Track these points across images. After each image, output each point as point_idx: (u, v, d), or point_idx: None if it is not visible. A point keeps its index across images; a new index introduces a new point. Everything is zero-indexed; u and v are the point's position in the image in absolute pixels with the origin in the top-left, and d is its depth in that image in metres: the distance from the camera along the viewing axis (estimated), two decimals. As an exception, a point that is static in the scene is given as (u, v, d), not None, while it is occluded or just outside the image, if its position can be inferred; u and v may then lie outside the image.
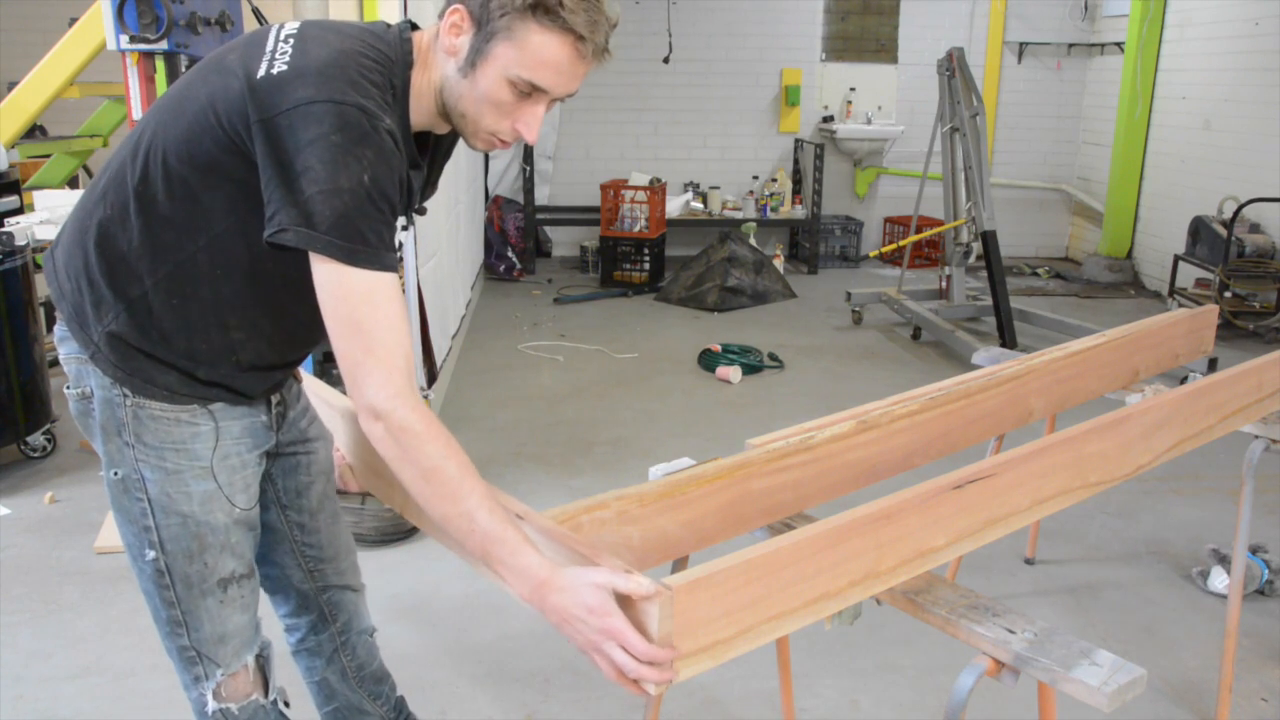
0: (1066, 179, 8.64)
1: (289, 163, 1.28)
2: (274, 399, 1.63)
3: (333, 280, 1.30)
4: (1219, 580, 3.08)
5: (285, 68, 1.31)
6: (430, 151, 1.55)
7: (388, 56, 1.38)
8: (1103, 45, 8.17)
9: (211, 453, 1.52)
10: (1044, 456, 1.64)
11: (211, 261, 1.42)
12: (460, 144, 1.59)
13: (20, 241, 2.99)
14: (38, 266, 5.12)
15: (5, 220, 3.17)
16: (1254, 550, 3.11)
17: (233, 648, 1.61)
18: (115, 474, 1.53)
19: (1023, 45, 8.32)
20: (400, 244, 1.48)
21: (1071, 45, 8.34)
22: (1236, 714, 2.50)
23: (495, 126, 1.40)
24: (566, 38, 1.32)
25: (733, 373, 5.18)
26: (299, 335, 1.56)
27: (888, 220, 8.51)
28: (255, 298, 1.47)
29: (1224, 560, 3.10)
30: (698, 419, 4.61)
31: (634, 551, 1.47)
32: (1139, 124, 7.55)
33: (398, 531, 3.34)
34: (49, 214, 3.16)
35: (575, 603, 1.18)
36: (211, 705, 1.61)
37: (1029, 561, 3.28)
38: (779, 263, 7.54)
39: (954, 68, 5.83)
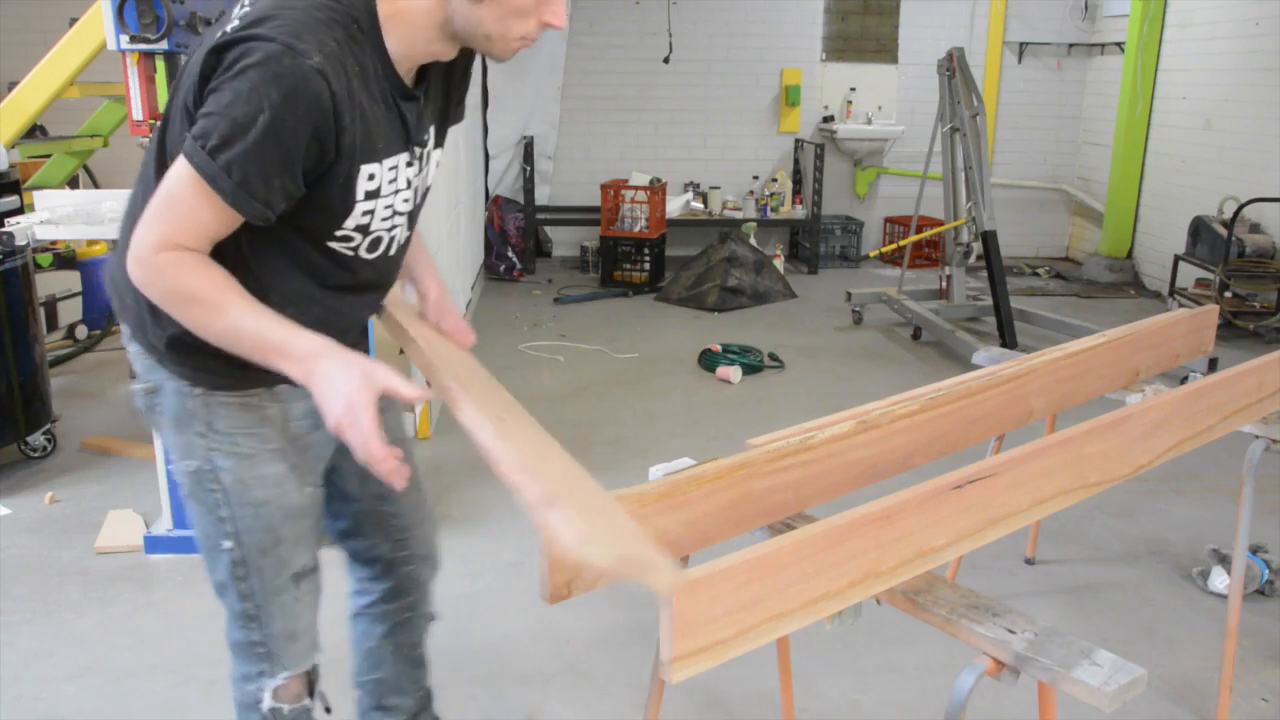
0: (1067, 179, 8.64)
1: (211, 89, 1.31)
2: None
3: (174, 169, 1.34)
4: (1219, 580, 3.08)
5: (241, 18, 1.34)
6: (429, 80, 1.52)
7: None
8: (1103, 45, 8.17)
9: (280, 434, 1.57)
10: (1044, 456, 1.64)
11: (251, 246, 1.45)
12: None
13: (20, 241, 2.99)
14: (38, 266, 5.14)
15: (5, 220, 3.16)
16: (1254, 550, 3.11)
17: (302, 647, 1.67)
18: (189, 466, 1.57)
19: (1023, 45, 8.32)
20: (408, 181, 1.52)
21: (1072, 45, 8.34)
22: (1236, 714, 2.50)
23: (523, 31, 1.43)
24: None
25: (733, 373, 5.18)
26: (347, 312, 1.59)
27: (888, 220, 8.51)
28: (299, 278, 1.50)
29: (1224, 560, 3.10)
30: (698, 419, 4.61)
31: (634, 551, 1.47)
32: (1139, 124, 7.55)
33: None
34: (49, 214, 3.16)
35: (339, 389, 1.32)
36: (268, 702, 1.67)
37: (1029, 561, 3.28)
38: (779, 263, 7.54)
39: (954, 68, 5.83)
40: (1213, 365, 4.55)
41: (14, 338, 3.80)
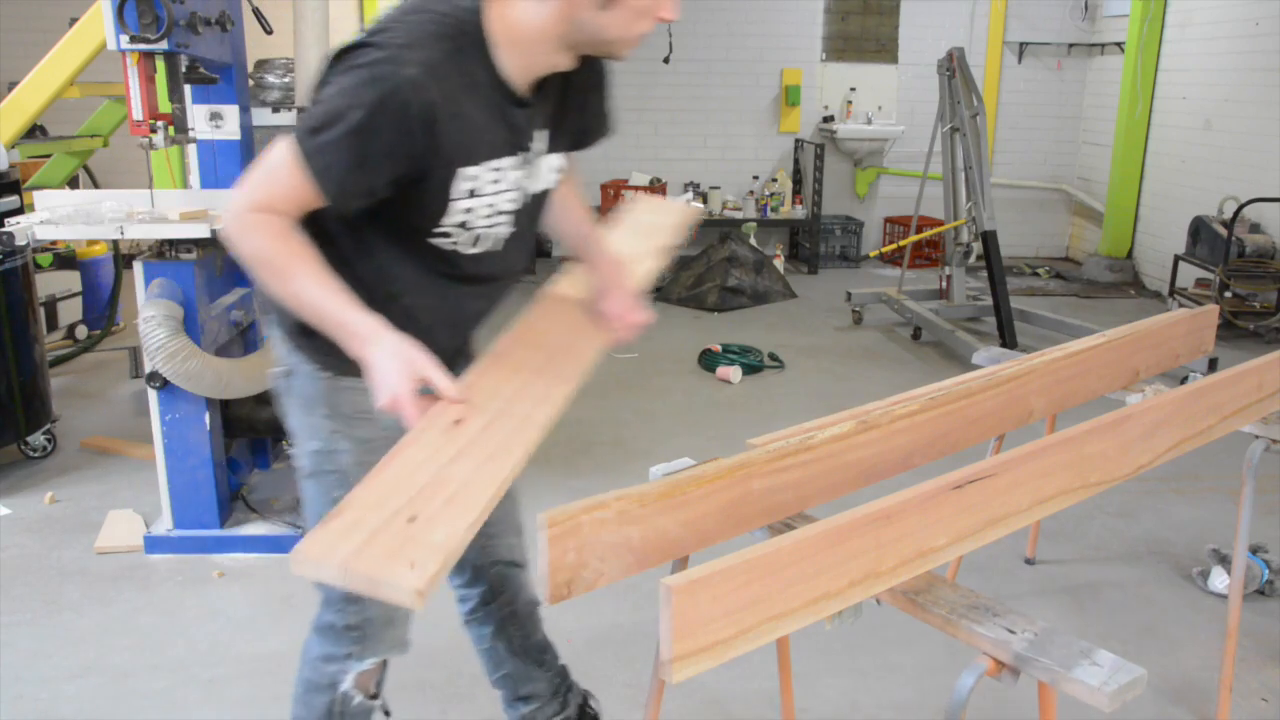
0: (1067, 179, 8.64)
1: (323, 82, 1.46)
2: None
3: (280, 143, 1.46)
4: (1219, 580, 3.08)
5: (365, 31, 1.47)
6: (545, 88, 1.60)
7: (457, 6, 1.47)
8: (1103, 45, 8.17)
9: (398, 422, 1.62)
10: (1044, 456, 1.64)
11: (373, 235, 1.56)
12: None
13: (20, 241, 2.99)
14: (38, 266, 5.13)
15: (5, 220, 3.16)
16: (1254, 550, 3.11)
17: (396, 634, 1.76)
18: (311, 447, 1.67)
19: (1023, 45, 8.32)
20: (514, 182, 1.61)
21: (1072, 45, 8.34)
22: (1236, 714, 2.50)
23: (643, 29, 1.51)
24: None
25: (733, 373, 5.18)
26: (457, 302, 1.68)
27: (888, 220, 8.51)
28: (412, 267, 1.59)
29: (1224, 560, 3.10)
30: (698, 419, 4.61)
31: (634, 552, 1.47)
32: (1139, 124, 7.55)
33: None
34: (49, 214, 3.15)
35: (384, 378, 1.41)
36: (346, 684, 1.75)
37: (1029, 561, 3.28)
38: (779, 263, 7.54)
39: (954, 68, 5.83)
40: (1213, 365, 4.56)
41: (14, 338, 3.81)
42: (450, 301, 1.67)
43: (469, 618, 2.08)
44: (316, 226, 1.54)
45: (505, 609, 2.04)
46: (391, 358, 1.42)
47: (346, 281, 1.50)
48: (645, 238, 2.06)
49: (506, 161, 1.56)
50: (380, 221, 1.54)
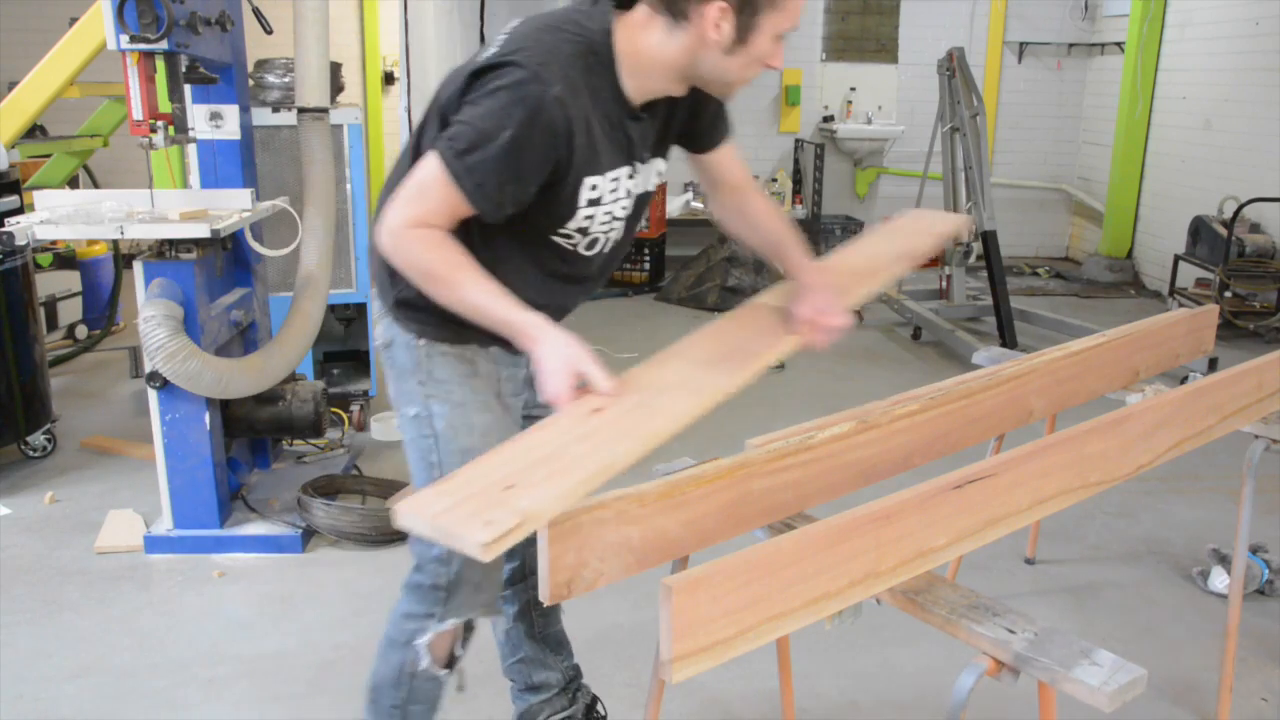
0: (1067, 179, 8.64)
1: (466, 101, 1.54)
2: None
3: (428, 161, 1.56)
4: (1219, 580, 3.08)
5: (499, 45, 1.56)
6: (657, 103, 1.70)
7: (587, 28, 1.58)
8: (1103, 45, 8.17)
9: (490, 388, 1.79)
10: (1044, 456, 1.64)
11: (492, 233, 1.65)
12: None
13: (20, 241, 2.98)
14: (39, 266, 5.13)
15: (5, 220, 3.16)
16: (1254, 550, 3.11)
17: (482, 599, 1.83)
18: (409, 413, 1.78)
19: (1023, 45, 8.32)
20: (628, 191, 1.74)
21: (1072, 45, 8.34)
22: (1236, 714, 2.50)
23: (755, 75, 1.65)
24: None
25: (733, 373, 5.17)
26: (559, 297, 1.77)
27: (888, 220, 8.50)
28: (526, 264, 1.70)
29: (1224, 560, 3.10)
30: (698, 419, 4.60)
31: (634, 552, 1.47)
32: (1139, 124, 7.55)
33: (398, 531, 3.33)
34: (49, 214, 3.15)
35: (549, 372, 1.53)
36: (420, 642, 1.82)
37: (1029, 561, 3.28)
38: (779, 263, 7.53)
39: (954, 68, 5.83)
40: (1213, 365, 4.56)
41: (14, 338, 3.80)
42: (557, 297, 1.78)
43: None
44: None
45: (533, 590, 2.07)
46: (555, 354, 1.54)
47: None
48: (894, 245, 2.10)
49: (623, 171, 1.68)
50: (510, 224, 1.63)
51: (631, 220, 1.80)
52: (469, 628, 1.90)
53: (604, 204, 1.67)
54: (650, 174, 1.79)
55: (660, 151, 1.80)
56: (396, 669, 1.87)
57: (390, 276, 1.74)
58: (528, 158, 1.52)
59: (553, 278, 1.76)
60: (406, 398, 1.78)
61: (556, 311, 1.78)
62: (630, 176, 1.71)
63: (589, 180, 1.62)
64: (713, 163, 1.92)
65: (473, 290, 1.58)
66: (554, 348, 1.55)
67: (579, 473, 1.35)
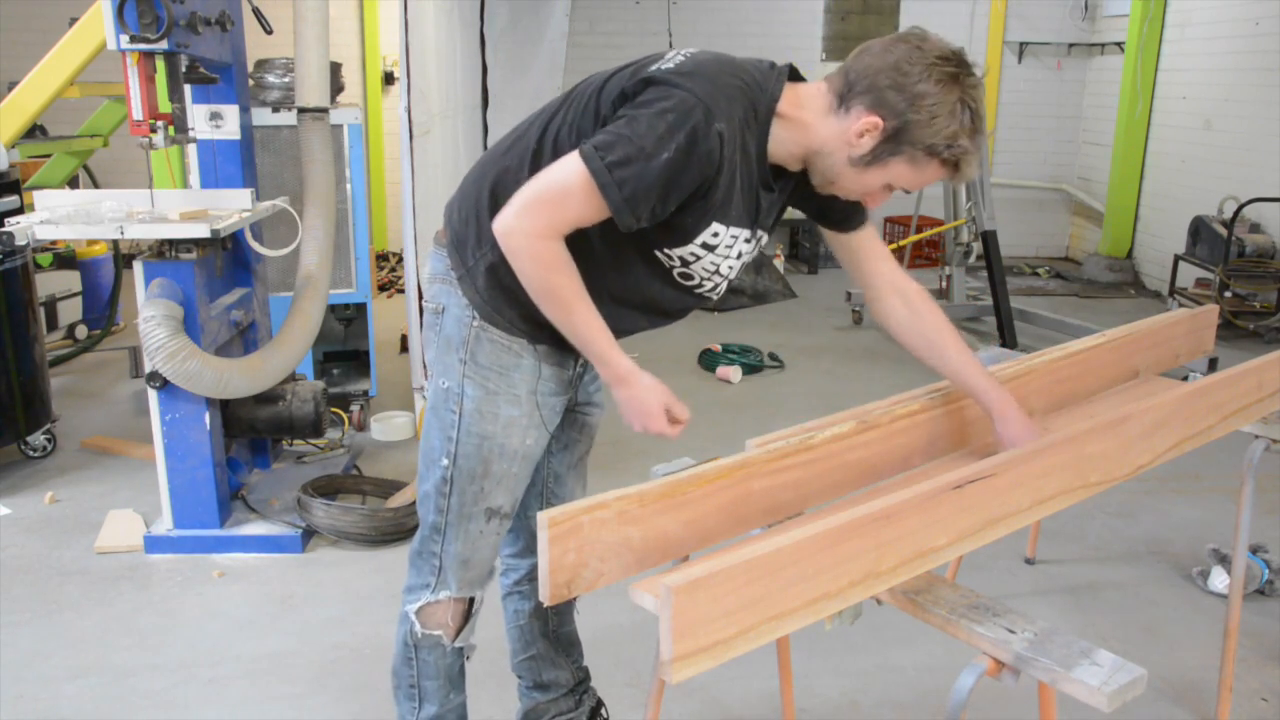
0: (1067, 179, 8.64)
1: (627, 110, 1.54)
2: (579, 359, 1.87)
3: (569, 165, 1.54)
4: (1219, 580, 3.08)
5: (675, 64, 1.57)
6: (786, 177, 1.71)
7: (759, 84, 1.59)
8: (1103, 45, 8.17)
9: (526, 385, 1.80)
10: (1044, 456, 1.64)
11: (598, 243, 1.65)
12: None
13: (20, 241, 2.98)
14: (38, 266, 5.13)
15: (5, 220, 3.16)
16: (1254, 550, 3.11)
17: (471, 576, 1.87)
18: (442, 384, 1.79)
19: (1023, 45, 8.32)
20: (739, 254, 1.74)
21: (1072, 45, 8.34)
22: (1236, 714, 2.50)
23: (851, 196, 1.68)
24: (951, 172, 1.60)
25: (733, 373, 5.18)
26: (626, 319, 1.79)
27: (888, 220, 8.51)
28: (604, 259, 1.68)
29: (1224, 560, 3.10)
30: (698, 419, 4.59)
31: (634, 552, 1.47)
32: (1139, 124, 7.55)
33: (398, 531, 3.34)
34: (49, 214, 3.15)
35: (638, 410, 1.72)
36: (411, 608, 1.88)
37: (1029, 561, 3.28)
38: (779, 262, 7.53)
39: (954, 68, 5.82)
40: (1213, 365, 4.55)
41: (14, 338, 3.80)
42: (627, 321, 1.80)
43: (512, 589, 2.15)
44: None
45: None
46: (648, 393, 1.69)
47: None
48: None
49: (744, 233, 1.68)
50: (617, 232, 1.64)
51: (728, 283, 1.80)
52: (470, 610, 1.93)
53: (717, 252, 1.68)
54: (759, 245, 1.80)
55: (770, 228, 1.80)
56: (403, 643, 1.92)
57: (478, 236, 1.73)
58: (678, 180, 1.53)
59: (632, 292, 1.75)
60: (444, 369, 1.79)
61: (623, 331, 1.80)
62: (748, 240, 1.71)
63: (715, 225, 1.63)
64: (855, 245, 1.89)
65: (585, 319, 1.63)
66: (643, 389, 1.68)
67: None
